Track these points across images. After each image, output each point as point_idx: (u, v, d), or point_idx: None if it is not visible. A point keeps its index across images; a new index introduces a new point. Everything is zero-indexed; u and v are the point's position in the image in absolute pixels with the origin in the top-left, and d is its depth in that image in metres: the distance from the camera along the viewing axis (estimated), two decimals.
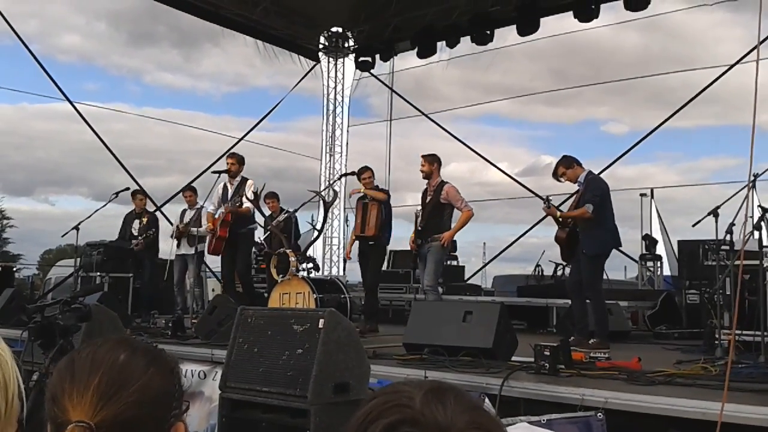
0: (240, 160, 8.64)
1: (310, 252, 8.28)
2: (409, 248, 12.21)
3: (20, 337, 4.30)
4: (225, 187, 8.63)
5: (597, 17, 12.08)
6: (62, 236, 9.75)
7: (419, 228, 7.41)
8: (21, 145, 25.66)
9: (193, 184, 9.96)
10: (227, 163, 8.64)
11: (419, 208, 7.60)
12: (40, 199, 39.98)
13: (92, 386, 1.12)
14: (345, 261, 12.88)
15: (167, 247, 9.69)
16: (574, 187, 6.99)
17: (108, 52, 23.78)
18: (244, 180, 8.58)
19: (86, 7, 15.81)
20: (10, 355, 1.37)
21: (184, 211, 9.90)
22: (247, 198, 8.33)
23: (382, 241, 8.21)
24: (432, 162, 7.57)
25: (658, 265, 11.70)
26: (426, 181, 7.60)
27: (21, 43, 12.23)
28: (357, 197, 8.37)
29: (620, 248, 7.77)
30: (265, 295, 8.66)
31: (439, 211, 7.40)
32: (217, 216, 8.53)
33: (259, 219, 8.76)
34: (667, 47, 14.47)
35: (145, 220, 9.91)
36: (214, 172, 8.86)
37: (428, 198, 7.53)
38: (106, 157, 13.02)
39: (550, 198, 6.74)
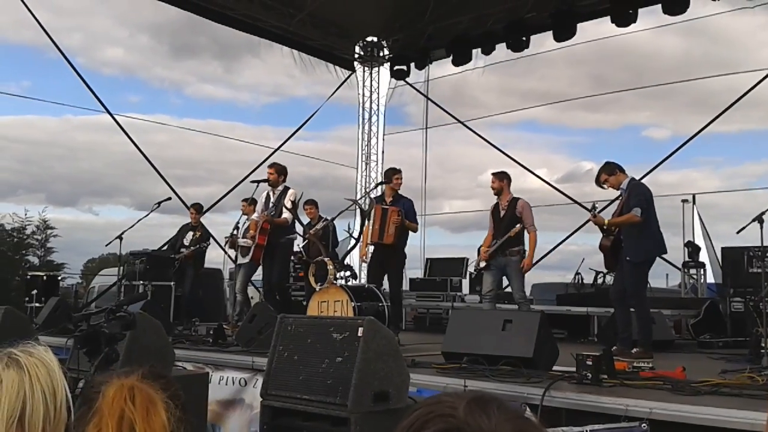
0: (280, 170, 8.72)
1: (347, 260, 8.28)
2: (446, 257, 12.23)
3: (65, 344, 4.39)
4: (268, 196, 8.72)
5: (635, 21, 11.91)
6: (106, 245, 9.97)
7: (495, 242, 7.61)
8: (65, 157, 26.29)
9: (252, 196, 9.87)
10: (267, 173, 8.73)
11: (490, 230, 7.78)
12: (83, 209, 40.89)
13: None
14: None
15: (215, 257, 9.76)
16: (616, 193, 6.91)
17: (150, 65, 24.20)
18: (286, 189, 8.65)
19: (128, 20, 16.17)
20: (57, 365, 1.42)
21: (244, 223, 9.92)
22: (286, 207, 8.39)
23: (401, 247, 8.17)
24: (501, 179, 7.85)
25: (702, 272, 11.46)
26: (496, 197, 7.84)
27: (63, 58, 12.48)
28: (373, 201, 8.35)
29: (664, 255, 7.62)
30: (304, 303, 8.70)
31: (514, 224, 7.56)
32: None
33: (299, 228, 8.79)
34: (709, 51, 14.21)
35: (198, 233, 10.06)
36: (253, 181, 8.98)
37: (502, 213, 7.72)
38: (148, 167, 13.24)
39: (597, 206, 6.64)
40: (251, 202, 9.70)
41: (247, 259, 9.04)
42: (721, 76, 12.42)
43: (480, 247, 8.03)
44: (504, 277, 7.89)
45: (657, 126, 18.19)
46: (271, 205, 8.57)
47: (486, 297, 7.77)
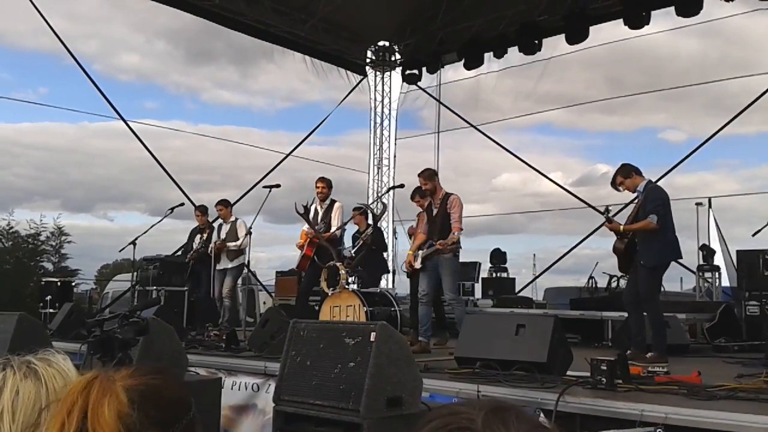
0: (329, 184, 8.87)
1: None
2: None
3: (79, 350, 4.41)
4: (316, 211, 8.81)
5: (648, 24, 11.87)
6: (120, 251, 10.06)
7: (430, 243, 7.41)
8: (81, 163, 26.51)
9: (226, 198, 10.19)
10: (317, 187, 8.83)
11: (413, 224, 7.66)
12: (98, 215, 41.29)
13: None
14: (394, 273, 12.84)
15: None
16: (631, 196, 6.86)
17: (166, 71, 24.33)
18: (333, 203, 8.78)
19: (145, 26, 16.26)
20: (76, 375, 1.41)
21: (220, 226, 10.06)
22: (333, 231, 8.54)
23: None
24: (431, 178, 7.62)
25: (717, 275, 11.38)
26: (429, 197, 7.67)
27: (78, 65, 12.59)
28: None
29: (679, 260, 7.55)
30: (316, 308, 8.72)
31: (447, 221, 7.39)
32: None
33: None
34: (726, 52, 14.05)
35: (206, 235, 10.13)
36: (265, 186, 9.02)
37: (435, 211, 7.55)
38: (163, 173, 13.33)
39: (610, 209, 6.58)
40: (227, 204, 10.03)
41: (233, 264, 9.36)
42: (738, 78, 12.32)
43: (410, 249, 7.90)
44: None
45: (673, 128, 18.06)
46: (320, 220, 8.67)
47: (422, 299, 7.51)
